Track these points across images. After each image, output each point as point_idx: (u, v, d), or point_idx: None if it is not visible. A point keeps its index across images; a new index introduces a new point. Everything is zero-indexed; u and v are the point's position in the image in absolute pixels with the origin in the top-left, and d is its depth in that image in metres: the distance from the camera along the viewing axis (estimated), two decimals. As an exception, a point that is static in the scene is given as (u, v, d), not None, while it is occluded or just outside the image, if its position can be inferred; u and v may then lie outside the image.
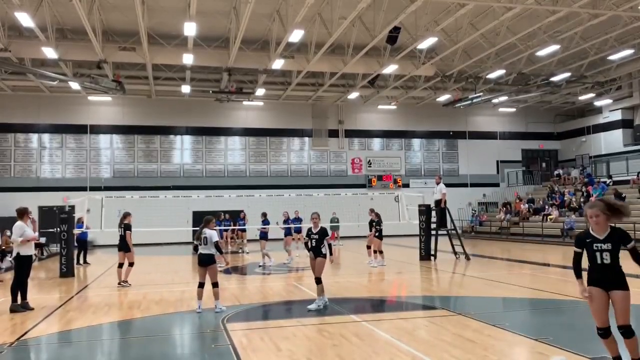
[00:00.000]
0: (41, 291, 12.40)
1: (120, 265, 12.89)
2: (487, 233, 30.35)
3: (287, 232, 18.29)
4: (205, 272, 9.38)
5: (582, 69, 27.57)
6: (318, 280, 9.48)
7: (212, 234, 9.34)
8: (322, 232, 9.59)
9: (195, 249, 9.67)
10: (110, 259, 20.27)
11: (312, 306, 9.34)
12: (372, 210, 17.14)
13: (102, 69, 23.71)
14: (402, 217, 19.63)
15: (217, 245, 9.33)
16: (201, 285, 9.36)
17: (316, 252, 9.56)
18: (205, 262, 9.34)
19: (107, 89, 23.82)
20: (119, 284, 12.70)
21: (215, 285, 9.35)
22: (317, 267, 9.54)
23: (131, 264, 12.71)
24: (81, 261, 18.62)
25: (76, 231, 16.83)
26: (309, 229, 9.81)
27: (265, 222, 17.68)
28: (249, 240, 22.81)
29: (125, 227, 12.76)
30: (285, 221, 18.37)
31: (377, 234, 16.39)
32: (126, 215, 13.07)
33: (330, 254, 9.51)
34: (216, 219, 18.43)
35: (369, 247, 17.02)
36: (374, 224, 16.65)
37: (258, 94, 27.97)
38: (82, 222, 18.25)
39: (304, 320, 8.60)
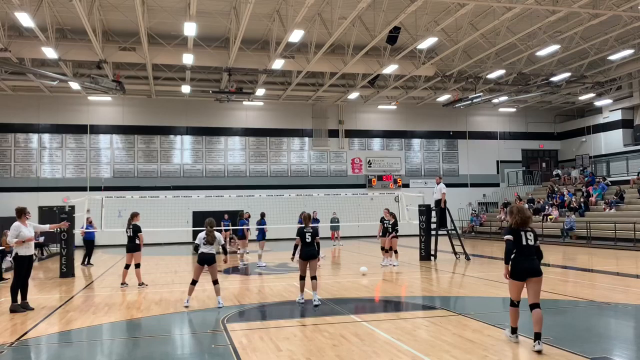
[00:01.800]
0: (41, 291, 12.39)
1: (127, 267, 12.72)
2: (487, 233, 30.34)
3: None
4: (202, 271, 9.78)
5: (582, 69, 27.56)
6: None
7: (220, 235, 9.94)
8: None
9: (196, 249, 9.96)
10: (111, 259, 20.28)
11: (316, 302, 9.62)
12: (388, 210, 17.07)
13: (102, 69, 23.70)
14: (402, 217, 19.58)
15: (224, 246, 10.06)
16: (194, 282, 9.82)
17: None
18: (209, 261, 9.68)
19: (107, 89, 23.80)
20: (122, 284, 12.69)
21: (216, 282, 9.79)
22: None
23: (137, 265, 12.65)
24: (85, 262, 18.21)
25: (78, 231, 16.73)
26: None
27: (263, 222, 17.64)
28: (250, 240, 22.76)
29: (135, 227, 12.58)
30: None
31: (396, 234, 16.36)
32: (134, 215, 12.81)
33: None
34: (229, 218, 18.30)
35: (389, 250, 16.51)
36: (389, 225, 16.47)
37: (258, 94, 27.96)
38: (90, 223, 18.05)
39: (304, 320, 8.62)
